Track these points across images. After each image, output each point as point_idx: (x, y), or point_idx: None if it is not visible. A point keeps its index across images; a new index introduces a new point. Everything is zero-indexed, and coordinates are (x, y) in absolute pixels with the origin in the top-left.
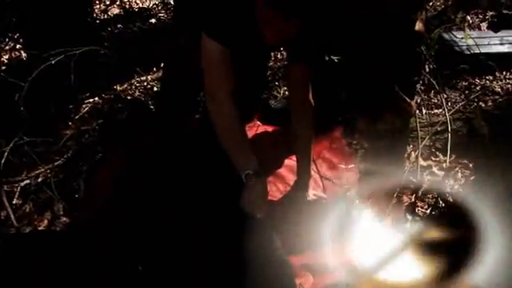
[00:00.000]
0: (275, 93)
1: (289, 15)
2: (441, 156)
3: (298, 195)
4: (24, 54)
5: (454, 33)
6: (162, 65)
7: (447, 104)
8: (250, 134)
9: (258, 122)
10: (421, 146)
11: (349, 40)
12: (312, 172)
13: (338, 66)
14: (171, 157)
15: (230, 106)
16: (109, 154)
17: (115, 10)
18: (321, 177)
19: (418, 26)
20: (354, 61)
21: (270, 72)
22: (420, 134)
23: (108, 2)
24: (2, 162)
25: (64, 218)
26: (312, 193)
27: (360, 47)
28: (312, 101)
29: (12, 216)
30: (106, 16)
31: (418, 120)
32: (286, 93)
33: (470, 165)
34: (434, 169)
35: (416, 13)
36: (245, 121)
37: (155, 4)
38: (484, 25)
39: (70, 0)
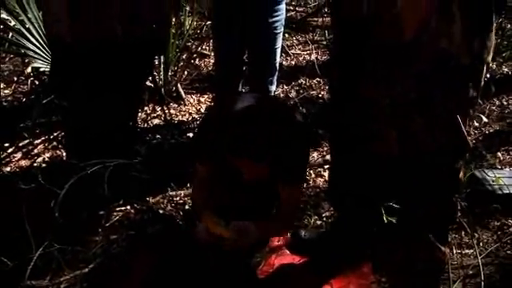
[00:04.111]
0: (305, 221)
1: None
2: None
3: None
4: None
5: (486, 170)
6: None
7: (479, 244)
8: (277, 262)
9: (287, 251)
10: None
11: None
12: None
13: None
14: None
15: None
16: (135, 263)
17: (155, 121)
18: None
19: (460, 174)
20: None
21: (302, 199)
22: (451, 276)
23: (149, 111)
24: (31, 265)
25: None
26: None
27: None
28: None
29: None
30: (146, 125)
31: (449, 261)
32: (317, 222)
33: None
34: None
35: (459, 162)
36: None
37: (193, 117)
38: None
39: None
